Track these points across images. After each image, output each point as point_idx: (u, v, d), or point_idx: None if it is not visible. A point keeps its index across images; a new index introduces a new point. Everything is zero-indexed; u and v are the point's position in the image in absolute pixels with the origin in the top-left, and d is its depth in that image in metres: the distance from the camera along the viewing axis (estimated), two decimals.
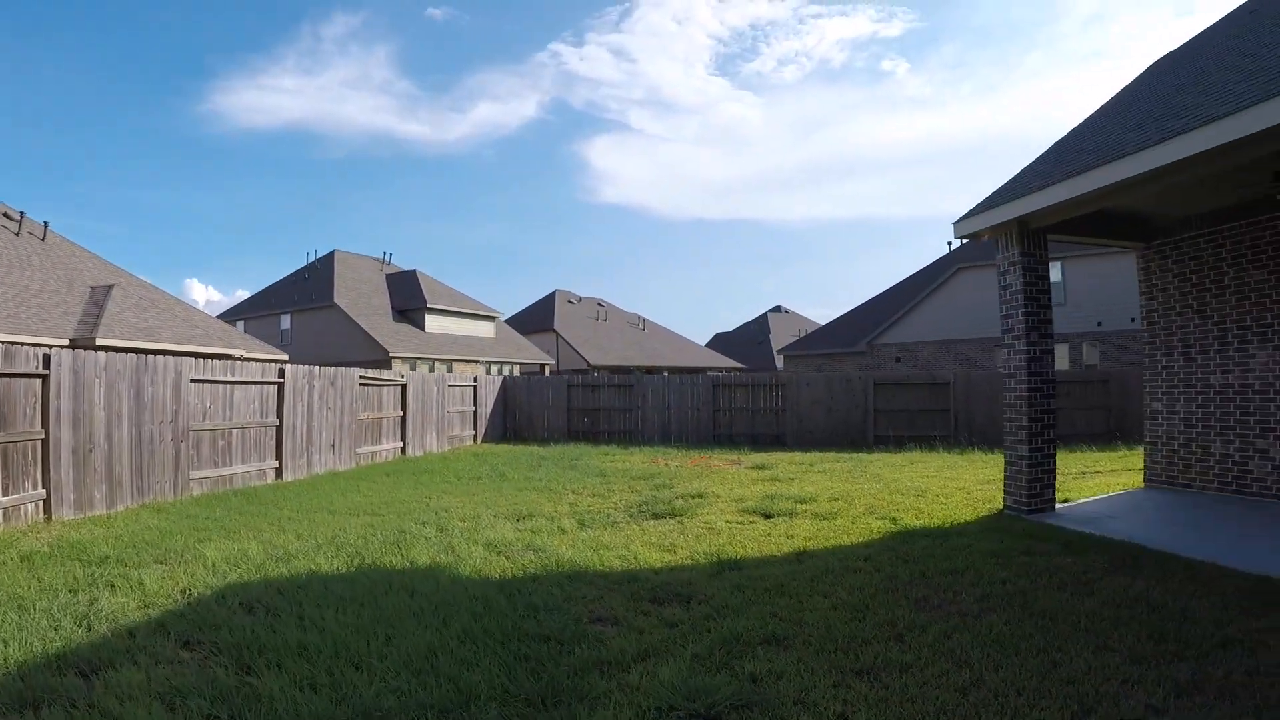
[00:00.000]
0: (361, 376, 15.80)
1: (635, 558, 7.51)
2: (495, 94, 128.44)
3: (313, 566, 6.96)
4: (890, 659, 4.59)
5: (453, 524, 9.30)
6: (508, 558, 7.46)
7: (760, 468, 16.43)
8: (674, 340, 61.65)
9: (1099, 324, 33.09)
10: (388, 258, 46.17)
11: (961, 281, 35.52)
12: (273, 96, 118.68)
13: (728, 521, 9.76)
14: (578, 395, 24.92)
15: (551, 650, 4.76)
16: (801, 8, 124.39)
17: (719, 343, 72.41)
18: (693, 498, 11.69)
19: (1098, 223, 11.38)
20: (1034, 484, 9.85)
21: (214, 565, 6.95)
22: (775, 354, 65.34)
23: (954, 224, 10.89)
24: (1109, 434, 22.80)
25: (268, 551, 7.61)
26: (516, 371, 42.25)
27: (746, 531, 9.03)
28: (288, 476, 13.55)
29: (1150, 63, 12.76)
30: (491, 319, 44.56)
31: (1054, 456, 10.12)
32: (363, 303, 39.34)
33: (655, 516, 10.17)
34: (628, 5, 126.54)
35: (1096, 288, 33.20)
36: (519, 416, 25.03)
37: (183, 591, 6.14)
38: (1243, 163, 7.12)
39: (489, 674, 4.35)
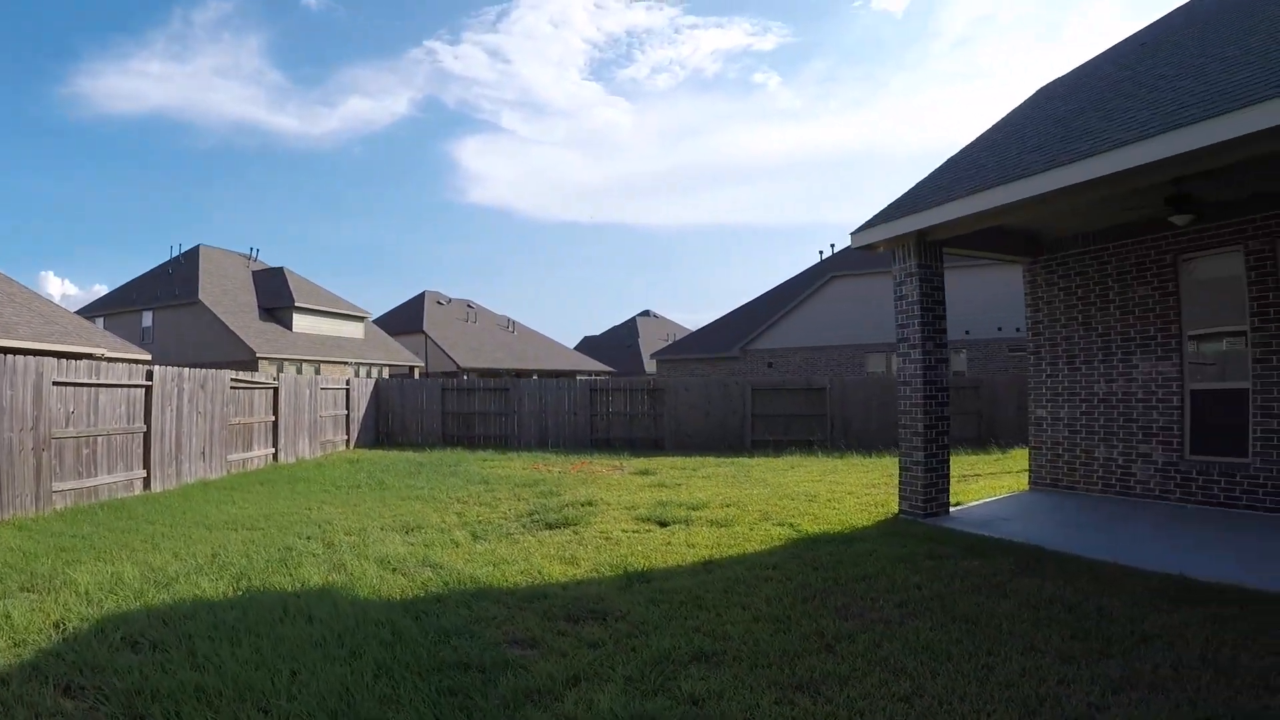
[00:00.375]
0: (233, 379, 14.97)
1: (538, 572, 7.31)
2: (367, 89, 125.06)
3: (197, 591, 6.45)
4: (827, 671, 4.58)
5: (339, 538, 8.87)
6: (405, 575, 7.13)
7: (644, 473, 16.41)
8: (544, 343, 61.28)
9: (966, 332, 34.54)
10: (254, 254, 44.15)
11: (835, 289, 36.56)
12: (139, 82, 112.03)
13: (624, 530, 9.66)
14: (452, 399, 24.40)
15: (475, 680, 4.51)
16: (678, 18, 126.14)
17: (587, 346, 72.42)
18: (583, 505, 11.54)
19: (991, 237, 11.75)
20: (929, 489, 10.08)
21: (88, 593, 6.33)
22: (644, 358, 65.92)
23: (851, 234, 11.00)
24: (979, 438, 23.72)
25: (145, 575, 7.00)
26: (386, 374, 41.08)
27: (646, 541, 8.94)
28: (156, 487, 12.65)
29: (1038, 87, 13.36)
30: (360, 319, 43.19)
31: (948, 462, 10.39)
32: (228, 300, 37.48)
33: (549, 526, 9.99)
34: (505, 6, 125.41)
35: (965, 298, 34.67)
36: (392, 420, 24.30)
37: (56, 625, 5.55)
38: (1140, 186, 7.51)
39: (416, 713, 4.07)
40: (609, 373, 57.99)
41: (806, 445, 22.56)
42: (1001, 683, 4.31)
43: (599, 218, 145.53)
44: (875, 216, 10.74)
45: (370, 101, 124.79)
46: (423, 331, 48.63)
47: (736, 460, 19.43)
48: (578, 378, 41.99)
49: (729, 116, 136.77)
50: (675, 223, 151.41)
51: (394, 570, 7.34)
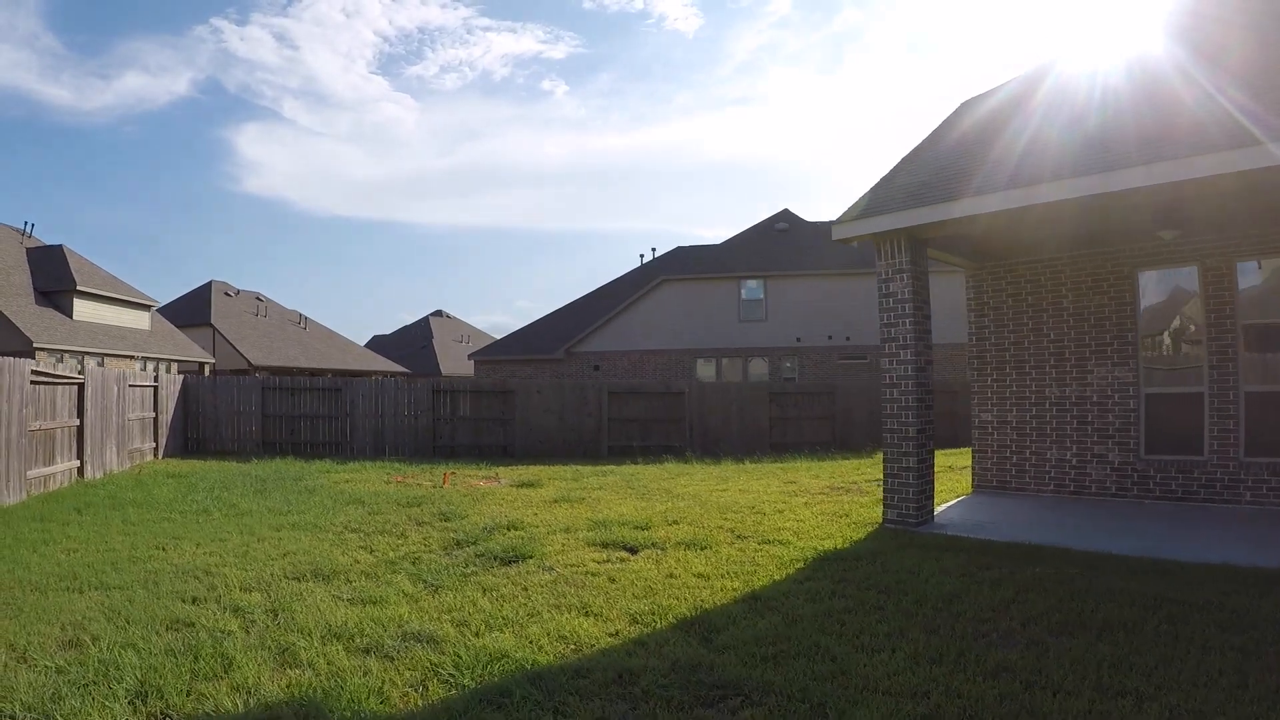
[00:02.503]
0: (34, 371, 11.82)
1: (571, 635, 5.53)
2: (146, 65, 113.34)
3: None
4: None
5: (242, 599, 6.45)
6: (397, 662, 5.00)
7: (529, 484, 14.74)
8: (336, 341, 57.16)
9: (798, 339, 34.74)
10: (29, 230, 37.51)
11: (666, 293, 35.79)
12: None
13: (597, 561, 8.06)
14: (275, 400, 21.37)
15: None
16: (472, 19, 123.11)
17: (377, 345, 68.55)
18: (509, 530, 9.77)
19: (955, 242, 11.26)
20: (921, 496, 9.64)
21: None
22: (440, 358, 63.31)
23: (834, 226, 10.37)
24: (835, 441, 23.77)
25: None
26: (174, 369, 36.25)
27: (640, 574, 7.41)
28: None
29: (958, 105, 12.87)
30: (146, 308, 37.87)
31: (933, 467, 9.82)
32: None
33: (500, 561, 8.14)
34: None
35: (796, 305, 34.93)
36: (203, 424, 20.93)
37: None
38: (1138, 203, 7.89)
39: None
40: (403, 373, 54.81)
41: (664, 451, 21.66)
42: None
43: (379, 215, 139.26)
44: (860, 211, 10.17)
45: (149, 78, 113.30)
46: (211, 325, 43.68)
47: (607, 468, 18.01)
48: (374, 377, 38.99)
49: (513, 121, 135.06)
50: (456, 224, 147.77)
51: (371, 653, 5.17)
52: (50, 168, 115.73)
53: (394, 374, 53.62)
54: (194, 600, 6.50)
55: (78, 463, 13.49)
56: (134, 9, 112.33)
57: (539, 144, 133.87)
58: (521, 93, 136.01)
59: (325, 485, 14.11)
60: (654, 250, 41.72)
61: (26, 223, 37.52)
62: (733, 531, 9.44)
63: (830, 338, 34.77)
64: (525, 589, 6.91)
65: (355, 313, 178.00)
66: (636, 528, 9.66)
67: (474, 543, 9.00)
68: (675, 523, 10.07)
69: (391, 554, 8.50)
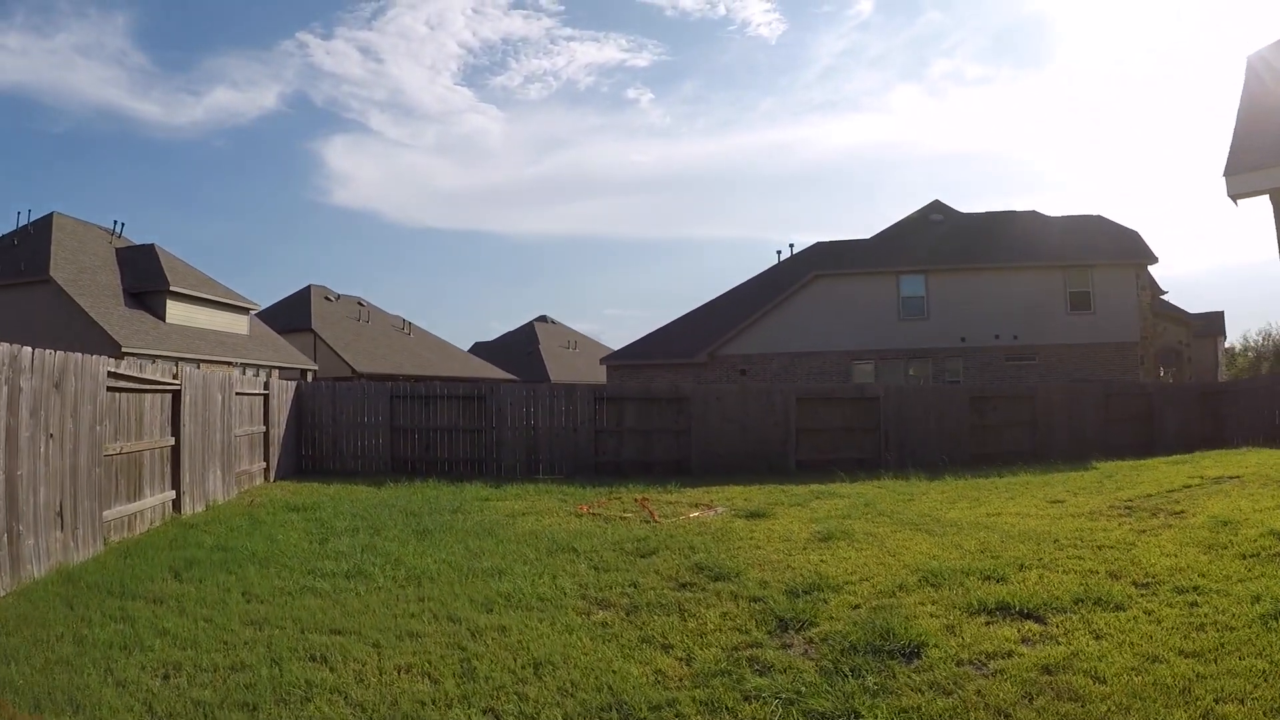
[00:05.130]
0: (112, 373, 8.39)
1: None
2: (235, 80, 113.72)
3: None
4: None
5: None
6: None
7: (758, 515, 11.12)
8: (442, 347, 54.30)
9: (963, 339, 30.42)
10: (119, 230, 35.10)
11: (817, 290, 31.68)
12: None
13: (1011, 643, 4.67)
14: (405, 410, 17.87)
15: None
16: (555, 29, 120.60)
17: (481, 352, 65.49)
18: (823, 593, 6.66)
19: None
20: None
21: None
22: (547, 363, 60.16)
23: (1229, 179, 6.66)
24: (1032, 452, 19.93)
25: None
26: (276, 377, 33.46)
27: (1113, 666, 4.27)
28: None
29: None
30: (245, 311, 35.09)
31: None
32: (86, 280, 28.98)
33: (884, 655, 4.70)
34: (382, 3, 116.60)
35: (960, 303, 30.72)
36: (320, 440, 17.57)
37: None
38: None
39: None
40: (512, 380, 51.59)
41: (856, 465, 17.78)
42: None
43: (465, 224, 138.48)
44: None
45: (237, 93, 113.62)
46: (311, 330, 40.93)
47: (816, 488, 14.19)
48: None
49: (599, 130, 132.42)
50: (545, 233, 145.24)
51: None
52: (141, 182, 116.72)
53: (503, 381, 50.46)
54: None
55: (173, 494, 10.00)
56: (221, 25, 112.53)
57: (625, 152, 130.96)
58: (606, 101, 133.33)
59: (498, 521, 10.46)
60: (791, 247, 37.62)
61: (116, 222, 35.09)
62: (1110, 575, 6.82)
63: (997, 337, 30.38)
64: None
65: (449, 322, 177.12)
66: (986, 578, 6.82)
67: (804, 621, 5.91)
68: (1024, 567, 7.21)
69: (706, 657, 4.85)
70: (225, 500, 11.85)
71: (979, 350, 30.39)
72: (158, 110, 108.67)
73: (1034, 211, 33.42)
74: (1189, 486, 12.90)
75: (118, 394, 8.63)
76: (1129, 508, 10.98)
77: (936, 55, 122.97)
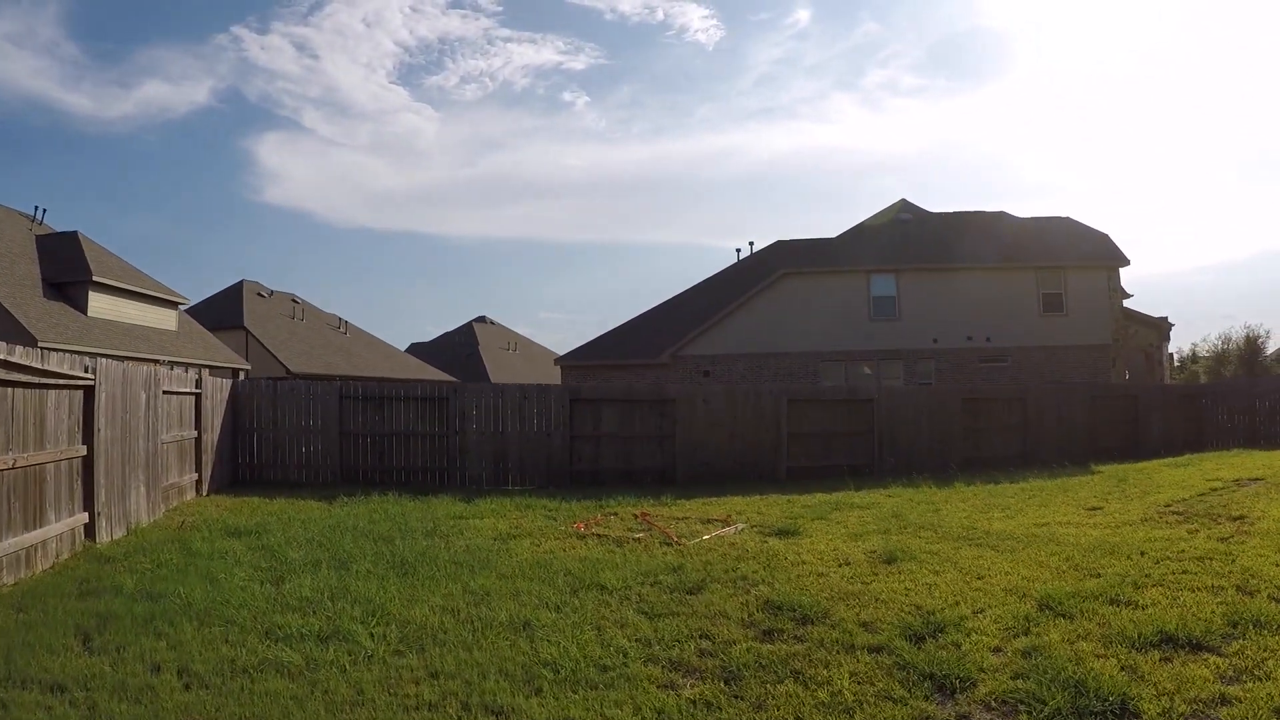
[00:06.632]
0: (4, 362, 6.41)
1: None
2: (168, 73, 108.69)
3: None
4: None
5: None
6: None
7: (786, 533, 9.92)
8: (379, 347, 51.74)
9: (934, 340, 29.40)
10: (40, 216, 31.90)
11: (785, 289, 30.27)
12: None
13: None
14: (355, 414, 15.82)
15: None
16: (492, 29, 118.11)
17: (418, 353, 63.00)
18: (940, 636, 5.22)
19: None
20: None
21: None
22: (487, 365, 58.23)
23: None
24: (1023, 456, 19.16)
25: None
26: (206, 375, 30.80)
27: None
28: None
29: None
30: (174, 306, 32.13)
31: None
32: (3, 270, 26.19)
33: None
34: None
35: (932, 303, 29.76)
36: (261, 447, 15.43)
37: None
38: None
39: None
40: (450, 381, 49.30)
41: (850, 472, 16.60)
42: None
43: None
44: None
45: (169, 87, 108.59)
46: (243, 327, 38.16)
47: (820, 497, 13.34)
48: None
49: (534, 132, 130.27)
50: (479, 235, 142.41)
51: None
52: (69, 176, 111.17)
53: (443, 382, 48.14)
54: None
55: (85, 517, 7.97)
56: (154, 17, 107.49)
57: (560, 155, 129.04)
58: (542, 104, 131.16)
59: (487, 546, 8.71)
60: (751, 245, 36.24)
61: (37, 208, 31.99)
62: (1241, 590, 6.25)
63: (970, 338, 29.49)
64: None
65: (383, 323, 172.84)
66: (1112, 602, 6.08)
67: (959, 678, 4.61)
68: (1139, 586, 6.55)
69: None
70: (151, 521, 9.82)
71: (951, 351, 29.45)
72: (88, 103, 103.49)
73: (1003, 212, 32.65)
74: (1215, 490, 12.52)
75: (9, 389, 6.66)
76: (1179, 514, 10.51)
77: (873, 65, 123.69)
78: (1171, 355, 49.93)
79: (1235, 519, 9.80)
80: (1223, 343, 53.62)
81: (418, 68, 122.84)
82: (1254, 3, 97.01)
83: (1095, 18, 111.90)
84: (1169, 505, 11.37)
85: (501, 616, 5.75)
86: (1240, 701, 4.25)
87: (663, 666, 4.84)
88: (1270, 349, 51.89)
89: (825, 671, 4.68)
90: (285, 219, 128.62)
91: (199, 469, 12.76)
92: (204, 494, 12.76)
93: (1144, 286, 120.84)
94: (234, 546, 8.30)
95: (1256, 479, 13.36)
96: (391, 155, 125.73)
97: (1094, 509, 11.60)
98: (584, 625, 5.58)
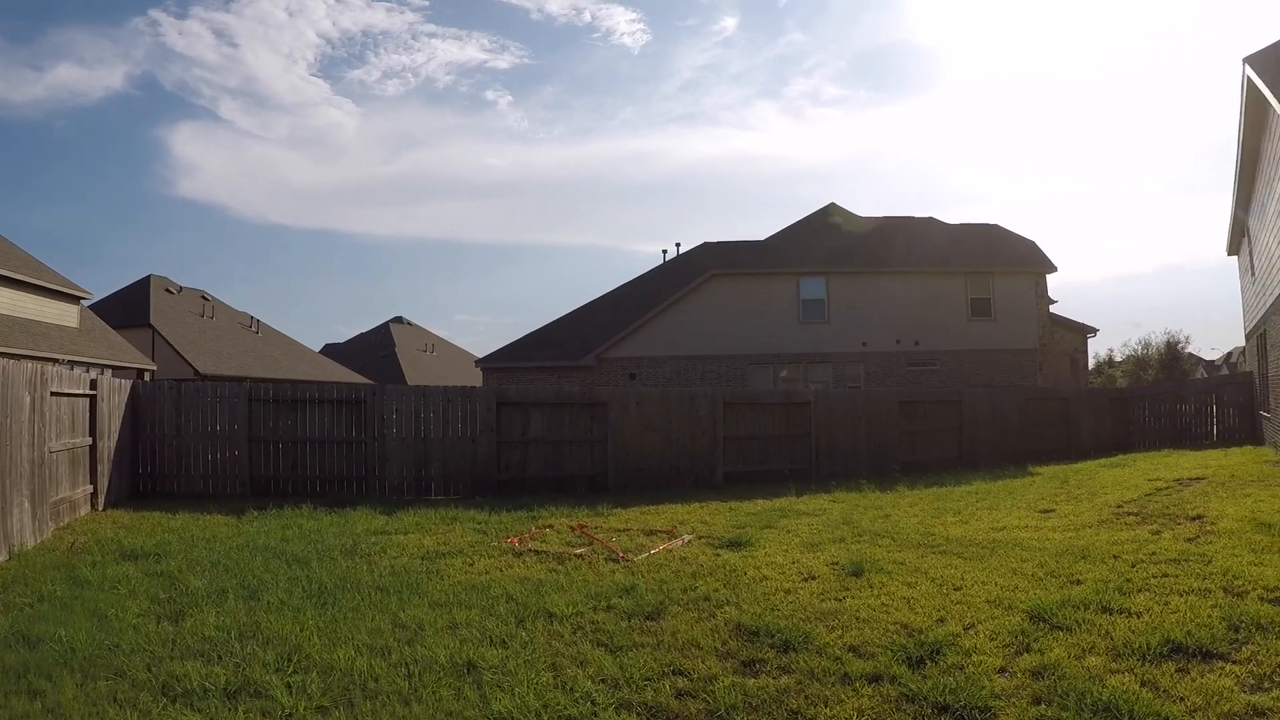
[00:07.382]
0: None
1: None
2: (81, 56, 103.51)
3: None
4: None
5: None
6: None
7: (736, 545, 9.50)
8: (293, 347, 49.81)
9: (864, 344, 29.39)
10: None
11: (714, 290, 29.87)
12: None
13: None
14: (267, 418, 14.73)
15: None
16: (417, 24, 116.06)
17: (332, 354, 61.05)
18: (948, 677, 4.61)
19: None
20: None
21: None
22: (404, 367, 56.83)
23: None
24: (959, 459, 19.57)
25: None
26: (108, 376, 28.90)
27: None
28: None
29: None
30: (76, 300, 29.91)
31: None
32: None
33: None
34: None
35: (862, 307, 29.79)
36: (163, 455, 14.24)
37: None
38: None
39: None
40: (366, 383, 47.75)
41: (789, 476, 16.55)
42: None
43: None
44: None
45: (82, 71, 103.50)
46: (150, 325, 36.08)
47: (764, 505, 13.02)
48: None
49: (456, 130, 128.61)
50: (395, 234, 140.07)
51: None
52: None
53: (356, 385, 46.55)
54: None
55: None
56: None
57: (482, 155, 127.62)
58: (465, 101, 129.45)
59: (415, 568, 7.95)
60: (678, 246, 35.77)
61: None
62: (1228, 592, 6.21)
63: (898, 342, 29.66)
64: None
65: (296, 322, 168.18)
66: (1105, 610, 5.97)
67: (978, 709, 4.24)
68: (1124, 592, 6.40)
69: None
70: (37, 543, 8.77)
71: (880, 355, 29.53)
72: None
73: (932, 218, 32.89)
74: (1161, 490, 12.61)
75: None
76: (1134, 514, 10.54)
77: (797, 74, 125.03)
78: (1091, 357, 51.22)
79: (1194, 519, 9.83)
80: (1143, 347, 55.23)
81: (340, 60, 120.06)
82: (1180, 32, 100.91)
83: (1024, 36, 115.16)
84: (1121, 506, 11.38)
85: (440, 656, 5.04)
86: (1273, 712, 4.11)
87: (638, 714, 4.21)
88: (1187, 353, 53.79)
89: (827, 710, 4.13)
90: (197, 213, 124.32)
91: (94, 480, 11.62)
92: (100, 509, 11.63)
93: (1064, 293, 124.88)
94: (129, 572, 7.36)
95: (1197, 478, 13.52)
96: (309, 150, 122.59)
97: (1046, 511, 11.58)
98: (537, 664, 4.91)
